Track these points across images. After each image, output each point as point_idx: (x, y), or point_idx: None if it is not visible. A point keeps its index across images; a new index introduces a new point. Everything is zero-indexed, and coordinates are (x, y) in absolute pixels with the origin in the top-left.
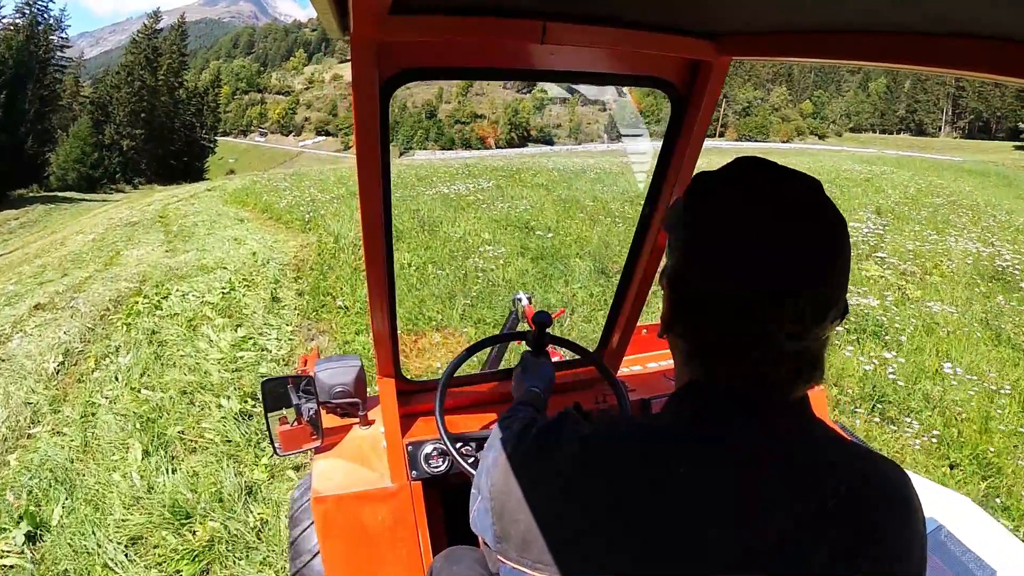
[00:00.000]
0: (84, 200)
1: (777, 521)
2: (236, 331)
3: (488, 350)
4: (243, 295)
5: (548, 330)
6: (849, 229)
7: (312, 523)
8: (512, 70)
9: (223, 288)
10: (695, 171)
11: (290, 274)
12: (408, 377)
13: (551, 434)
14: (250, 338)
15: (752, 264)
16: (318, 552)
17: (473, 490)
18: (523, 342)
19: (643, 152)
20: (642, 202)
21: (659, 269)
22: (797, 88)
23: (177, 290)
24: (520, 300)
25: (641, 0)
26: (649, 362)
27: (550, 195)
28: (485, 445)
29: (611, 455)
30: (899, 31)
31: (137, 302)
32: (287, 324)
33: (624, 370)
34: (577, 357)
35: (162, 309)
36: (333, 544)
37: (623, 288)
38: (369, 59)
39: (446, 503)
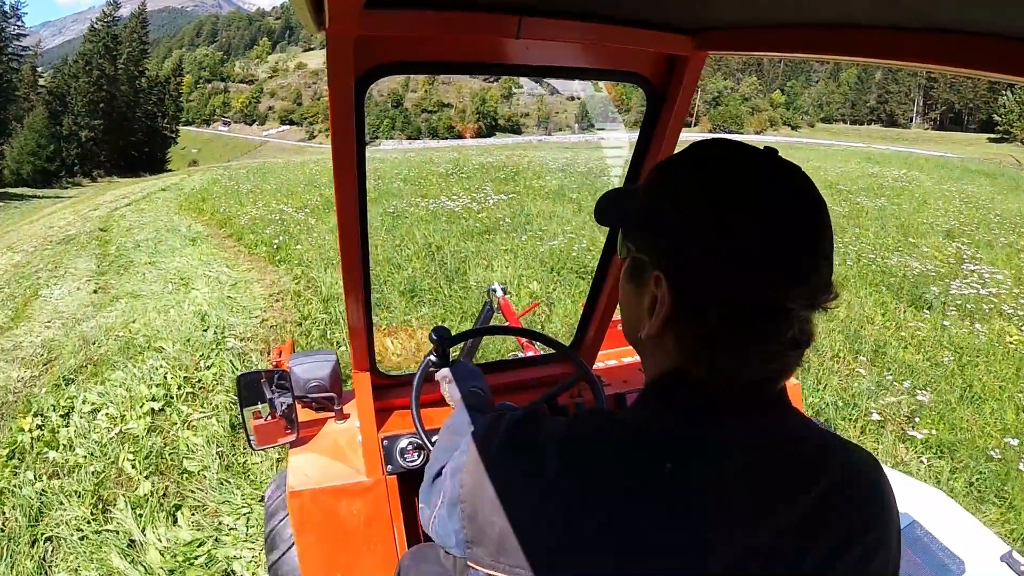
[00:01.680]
0: (36, 197)
1: (771, 519)
2: (173, 524)
3: (462, 344)
4: (183, 416)
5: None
6: (952, 270)
7: (287, 515)
8: (488, 64)
9: (153, 398)
10: None
11: (256, 357)
12: (383, 371)
13: (526, 431)
14: (200, 544)
15: (766, 249)
16: (293, 543)
17: (430, 496)
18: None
19: (618, 145)
20: None
21: (625, 266)
22: (767, 78)
23: (85, 400)
24: (495, 291)
25: None
26: (624, 356)
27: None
28: (436, 449)
29: (592, 453)
30: (875, 26)
31: (23, 430)
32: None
33: (599, 364)
34: (552, 351)
35: (57, 449)
36: (308, 538)
37: (598, 283)
38: (345, 54)
39: None
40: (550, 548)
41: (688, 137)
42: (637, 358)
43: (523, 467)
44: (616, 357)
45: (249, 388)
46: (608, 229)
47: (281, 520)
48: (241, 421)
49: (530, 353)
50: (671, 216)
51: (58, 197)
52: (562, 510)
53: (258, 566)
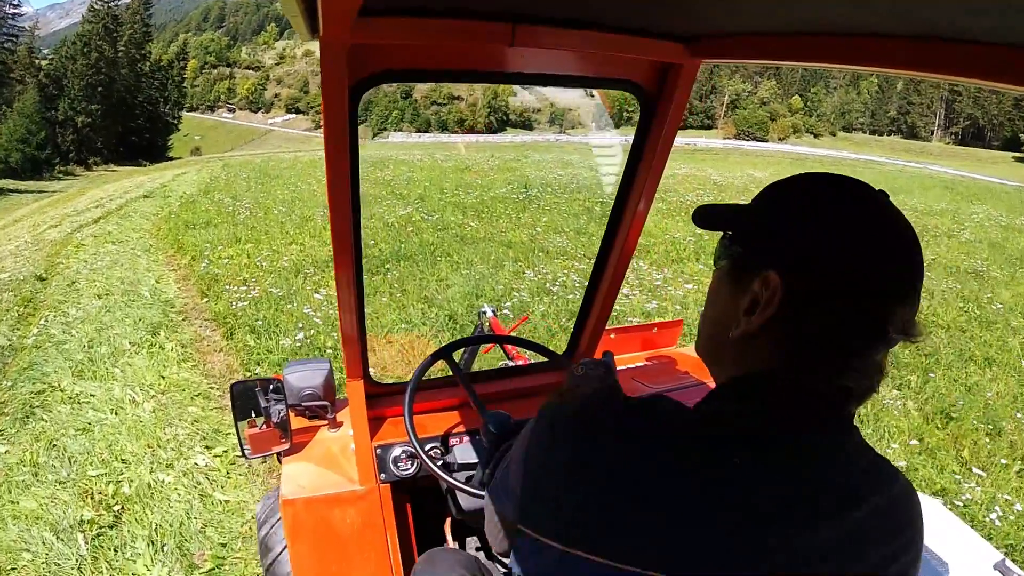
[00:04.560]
0: (16, 191)
1: (826, 529)
2: None
3: (461, 352)
4: None
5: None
6: None
7: (279, 520)
8: (482, 72)
9: None
10: (664, 171)
11: None
12: (377, 380)
13: (598, 406)
14: None
15: (877, 265)
16: (285, 547)
17: (495, 458)
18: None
19: (612, 153)
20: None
21: (724, 268)
22: (785, 82)
23: None
24: (485, 313)
25: (611, 2)
26: (618, 365)
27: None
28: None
29: (659, 438)
30: (869, 34)
31: None
32: None
33: None
34: (546, 360)
35: None
36: (302, 547)
37: (592, 290)
38: (339, 61)
39: (415, 506)
40: (599, 525)
41: (712, 143)
42: (632, 365)
43: (593, 445)
44: None
45: (243, 397)
46: (601, 244)
47: (273, 526)
48: (235, 429)
49: (520, 362)
50: (795, 221)
51: (41, 192)
52: (617, 491)
53: None
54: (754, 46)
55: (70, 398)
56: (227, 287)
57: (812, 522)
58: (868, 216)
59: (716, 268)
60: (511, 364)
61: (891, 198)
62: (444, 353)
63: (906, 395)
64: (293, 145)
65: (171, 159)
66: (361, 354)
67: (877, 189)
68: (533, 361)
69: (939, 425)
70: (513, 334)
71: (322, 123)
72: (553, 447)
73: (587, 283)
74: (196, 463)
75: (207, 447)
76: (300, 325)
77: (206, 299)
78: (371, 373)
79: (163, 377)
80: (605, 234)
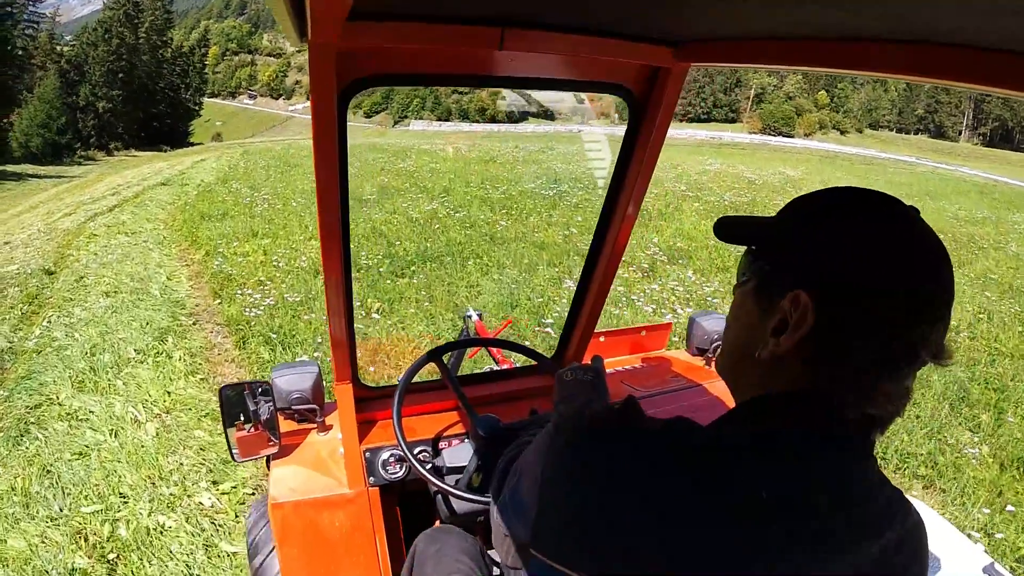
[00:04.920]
0: (36, 176)
1: (839, 562)
2: None
3: (445, 356)
4: None
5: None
6: None
7: (267, 523)
8: (471, 76)
9: None
10: (653, 174)
11: None
12: (366, 383)
13: (611, 423)
14: None
15: (912, 284)
16: (273, 549)
17: (511, 471)
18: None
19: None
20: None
21: (748, 285)
22: (811, 77)
23: None
24: (471, 317)
25: (599, 6)
26: (607, 368)
27: None
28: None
29: (676, 463)
30: (857, 38)
31: None
32: None
33: None
34: (534, 364)
35: None
36: (290, 551)
37: (581, 294)
38: (328, 66)
39: (404, 509)
40: (631, 555)
41: (737, 137)
42: (620, 368)
43: (611, 467)
44: None
45: (231, 400)
46: (589, 248)
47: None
48: (224, 432)
49: (505, 366)
50: (826, 238)
51: (60, 177)
52: (655, 518)
53: None
54: (741, 50)
55: (68, 414)
56: (241, 290)
57: (827, 554)
58: (901, 234)
59: (740, 284)
60: (496, 368)
61: (928, 202)
62: (434, 356)
63: (982, 438)
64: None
65: (192, 145)
66: (350, 357)
67: (908, 205)
68: (518, 365)
69: (1017, 475)
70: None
71: (311, 129)
72: (572, 469)
73: (591, 285)
74: (201, 502)
75: (214, 482)
76: (319, 339)
77: (218, 300)
78: (360, 376)
79: (168, 393)
80: (594, 237)
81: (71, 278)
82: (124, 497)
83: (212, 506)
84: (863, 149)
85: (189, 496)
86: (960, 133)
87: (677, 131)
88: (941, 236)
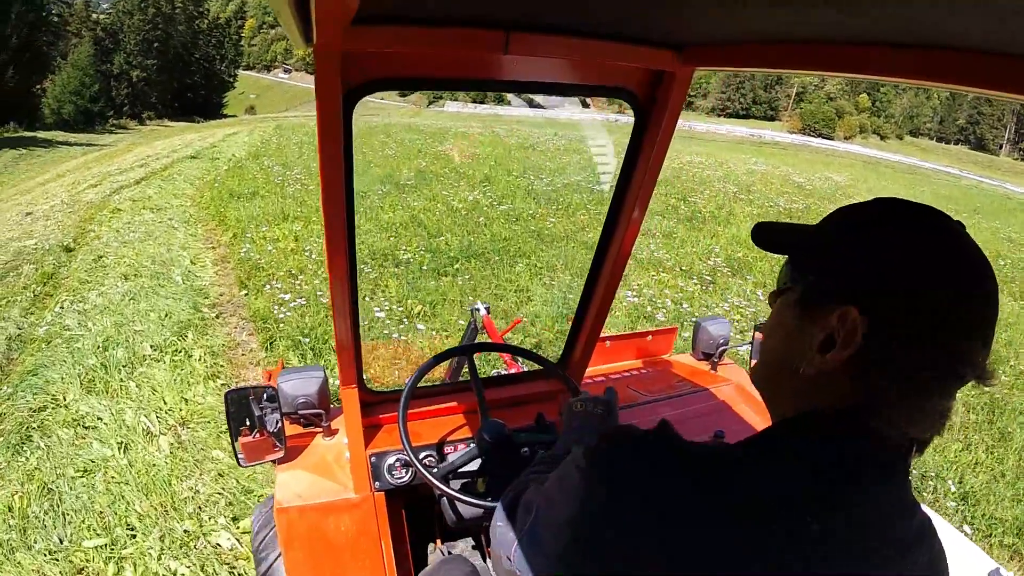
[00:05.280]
0: (66, 144)
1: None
2: None
3: (449, 362)
4: None
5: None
6: None
7: (273, 528)
8: (476, 80)
9: None
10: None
11: None
12: (371, 388)
13: (662, 459)
14: None
15: (963, 304)
16: (279, 555)
17: (517, 513)
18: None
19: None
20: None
21: (790, 297)
22: (853, 79)
23: None
24: (478, 310)
25: (603, 11)
26: (613, 373)
27: None
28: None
29: (735, 494)
30: (863, 42)
31: None
32: None
33: (587, 381)
34: (540, 368)
35: None
36: (296, 555)
37: (587, 298)
38: (332, 69)
39: (410, 514)
40: (614, 548)
41: (778, 136)
42: (627, 375)
43: (648, 494)
44: (605, 374)
45: (237, 405)
46: (595, 251)
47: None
48: (230, 437)
49: (513, 370)
50: (874, 252)
51: (91, 145)
52: (629, 515)
53: None
54: (746, 54)
55: (75, 419)
56: (270, 282)
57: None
58: (949, 248)
59: (779, 294)
60: (504, 372)
61: (977, 221)
62: (437, 362)
63: None
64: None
65: (226, 117)
66: (355, 361)
67: (955, 220)
68: (526, 369)
69: None
70: (506, 337)
71: (317, 132)
72: (608, 500)
73: (597, 288)
74: (219, 544)
75: (233, 518)
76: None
77: (245, 291)
78: (365, 381)
79: (185, 400)
80: (600, 241)
81: (90, 257)
82: (132, 530)
83: (231, 549)
84: (904, 156)
85: (205, 535)
86: (1000, 147)
87: (716, 126)
88: (999, 261)
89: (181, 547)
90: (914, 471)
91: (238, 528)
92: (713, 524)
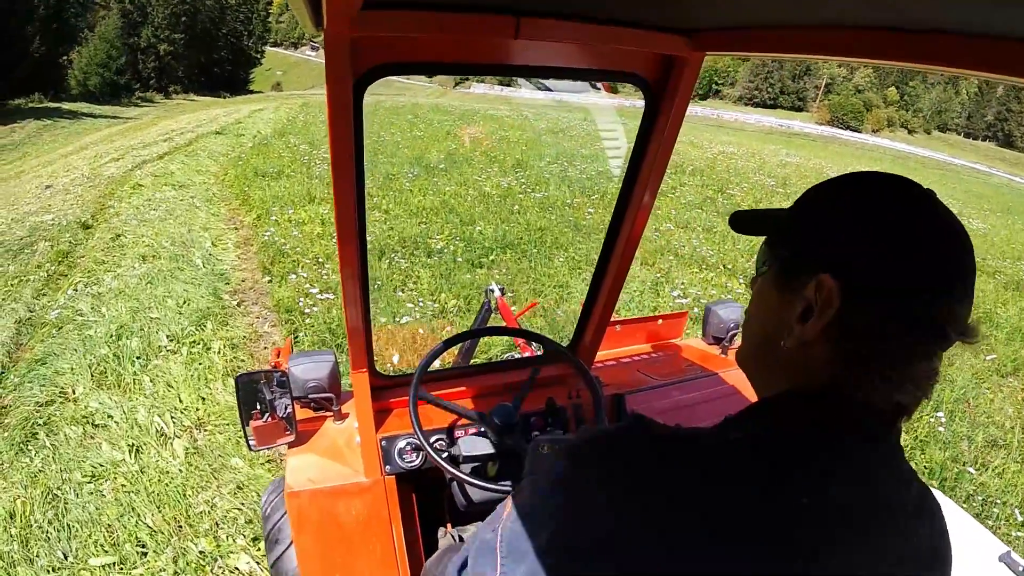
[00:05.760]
0: (91, 116)
1: (865, 554)
2: None
3: (460, 345)
4: None
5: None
6: None
7: (285, 514)
8: (486, 65)
9: None
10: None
11: None
12: (382, 372)
13: (634, 443)
14: None
15: (936, 259)
16: (291, 543)
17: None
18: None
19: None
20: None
21: (768, 274)
22: (882, 71)
23: None
24: (492, 291)
25: None
26: (623, 357)
27: None
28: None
29: (709, 467)
30: (875, 27)
31: None
32: None
33: (597, 365)
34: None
35: None
36: (307, 539)
37: (597, 282)
38: (343, 54)
39: (420, 497)
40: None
41: (806, 128)
42: (637, 358)
43: (626, 478)
44: (615, 358)
45: (247, 389)
46: (606, 235)
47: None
48: (240, 421)
49: (527, 354)
50: (846, 221)
51: (115, 118)
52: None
53: None
54: (757, 39)
55: (83, 417)
56: (295, 270)
57: (865, 558)
58: (921, 214)
59: (759, 275)
60: (517, 356)
61: (1012, 220)
62: (448, 345)
63: None
64: (374, 87)
65: (252, 92)
66: (366, 346)
67: (924, 187)
68: (539, 353)
69: None
70: (520, 320)
71: (327, 117)
72: (587, 488)
73: (607, 274)
74: (238, 567)
75: (254, 538)
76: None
77: (268, 278)
78: (376, 365)
79: (203, 399)
80: (610, 227)
81: (107, 235)
82: (143, 547)
83: (250, 573)
84: (932, 152)
85: (224, 557)
86: None
87: (744, 115)
88: None
89: (196, 571)
90: (977, 496)
91: (258, 550)
92: (702, 506)
